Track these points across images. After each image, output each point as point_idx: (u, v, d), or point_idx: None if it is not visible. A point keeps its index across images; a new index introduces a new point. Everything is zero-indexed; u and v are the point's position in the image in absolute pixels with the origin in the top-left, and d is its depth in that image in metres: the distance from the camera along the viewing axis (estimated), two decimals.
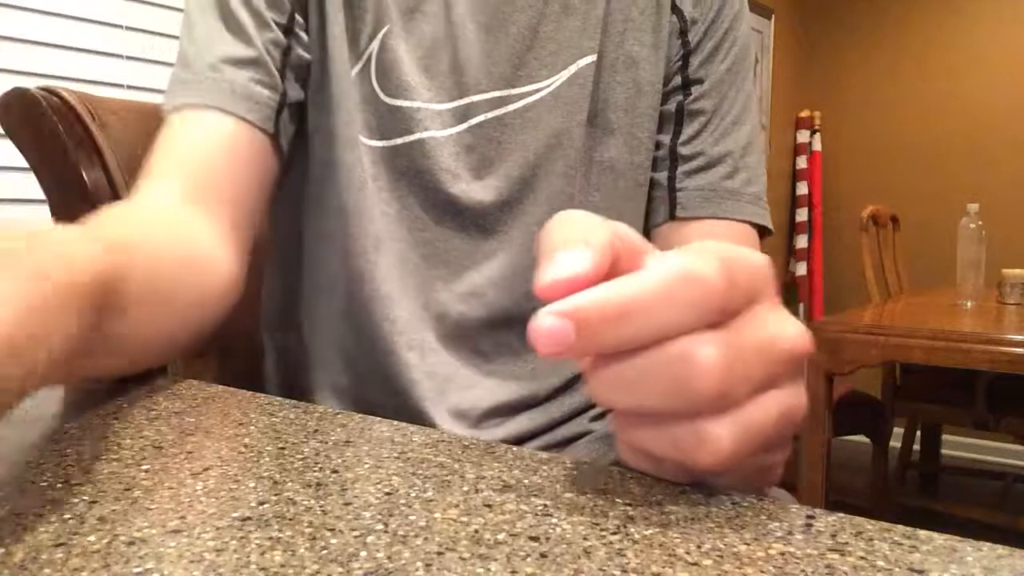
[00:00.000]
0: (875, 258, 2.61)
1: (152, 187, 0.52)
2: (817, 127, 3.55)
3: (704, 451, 0.26)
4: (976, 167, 3.24)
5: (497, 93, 0.60)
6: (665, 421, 0.26)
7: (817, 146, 3.54)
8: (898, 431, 2.73)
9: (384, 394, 0.60)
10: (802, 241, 3.48)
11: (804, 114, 3.56)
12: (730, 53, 0.65)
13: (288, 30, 0.57)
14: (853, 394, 2.30)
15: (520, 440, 0.60)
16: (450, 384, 0.60)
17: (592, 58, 0.61)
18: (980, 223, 2.08)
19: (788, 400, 0.27)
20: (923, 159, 3.37)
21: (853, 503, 2.59)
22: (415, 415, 0.58)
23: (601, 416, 0.66)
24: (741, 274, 0.26)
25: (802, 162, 3.53)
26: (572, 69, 0.61)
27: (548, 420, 0.62)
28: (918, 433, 2.84)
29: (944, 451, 3.09)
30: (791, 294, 3.53)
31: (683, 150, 0.64)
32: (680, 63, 0.65)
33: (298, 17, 0.58)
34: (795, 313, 3.45)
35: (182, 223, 0.50)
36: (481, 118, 0.60)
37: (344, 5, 0.58)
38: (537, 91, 0.60)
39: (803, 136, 3.55)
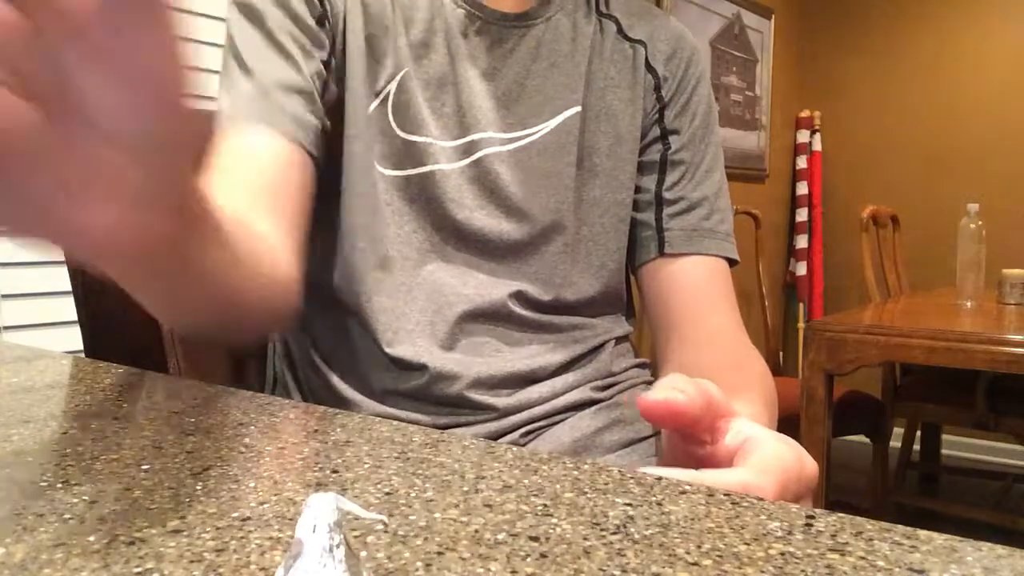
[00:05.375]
0: (875, 258, 2.60)
1: (219, 184, 0.54)
2: (817, 127, 3.55)
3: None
4: (976, 167, 3.23)
5: (495, 134, 0.67)
6: None
7: (817, 146, 3.54)
8: (898, 431, 2.73)
9: (387, 374, 0.64)
10: (802, 241, 3.48)
11: (804, 114, 3.56)
12: (699, 109, 0.75)
13: (327, 65, 0.63)
14: (853, 394, 2.30)
15: (529, 405, 0.66)
16: (453, 371, 0.64)
17: (577, 109, 0.69)
18: (980, 223, 2.08)
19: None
20: (923, 159, 3.36)
21: (853, 503, 2.59)
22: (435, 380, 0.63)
23: (605, 388, 0.71)
24: (789, 492, 0.34)
25: (802, 162, 3.52)
26: (559, 119, 0.69)
27: (551, 392, 0.67)
28: (918, 433, 2.83)
29: (944, 451, 3.08)
30: (791, 294, 3.53)
31: (667, 195, 0.73)
32: (657, 116, 0.74)
33: (331, 56, 0.64)
34: (795, 313, 3.48)
35: (256, 220, 0.53)
36: (481, 154, 0.66)
37: (366, 48, 0.64)
38: (529, 135, 0.68)
39: (803, 136, 3.55)
